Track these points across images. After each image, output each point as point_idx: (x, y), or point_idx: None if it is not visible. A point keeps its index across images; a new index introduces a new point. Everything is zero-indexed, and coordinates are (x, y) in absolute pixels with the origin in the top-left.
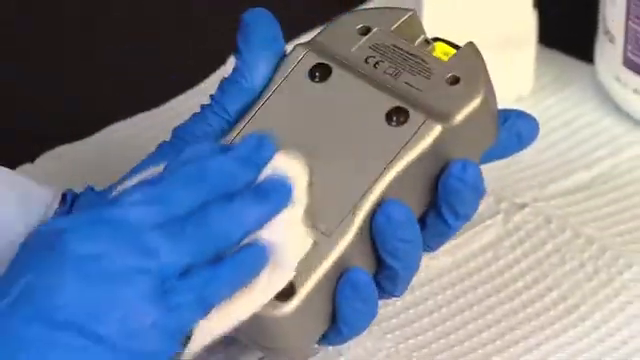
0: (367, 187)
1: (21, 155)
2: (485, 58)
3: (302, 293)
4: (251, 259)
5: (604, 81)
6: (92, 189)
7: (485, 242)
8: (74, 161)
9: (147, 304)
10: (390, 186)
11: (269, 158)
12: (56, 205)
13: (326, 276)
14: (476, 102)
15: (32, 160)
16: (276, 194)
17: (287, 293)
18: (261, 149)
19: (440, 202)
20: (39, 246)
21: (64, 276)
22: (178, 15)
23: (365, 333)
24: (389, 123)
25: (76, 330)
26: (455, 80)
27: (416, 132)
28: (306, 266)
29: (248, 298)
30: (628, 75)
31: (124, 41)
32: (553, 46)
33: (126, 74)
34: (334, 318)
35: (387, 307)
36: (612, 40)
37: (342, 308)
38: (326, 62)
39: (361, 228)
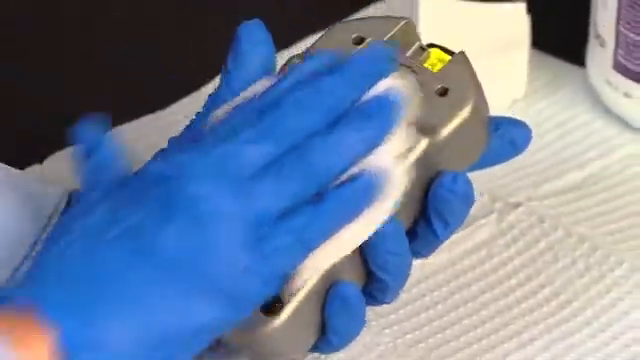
0: None
1: (30, 156)
2: (480, 62)
3: (289, 308)
4: (356, 194)
5: (595, 84)
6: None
7: (479, 240)
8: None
9: (245, 250)
10: None
11: (388, 72)
12: (63, 205)
13: (313, 290)
14: (464, 114)
15: (41, 161)
16: (383, 115)
17: (275, 308)
18: (377, 64)
19: (430, 212)
20: (147, 185)
21: (171, 216)
22: (179, 16)
23: (364, 329)
24: None
25: (175, 268)
26: (444, 91)
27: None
28: (294, 276)
29: (352, 230)
30: (618, 78)
31: (127, 43)
32: (546, 50)
33: (132, 76)
34: (324, 329)
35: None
36: (603, 44)
37: (332, 320)
38: None
39: None
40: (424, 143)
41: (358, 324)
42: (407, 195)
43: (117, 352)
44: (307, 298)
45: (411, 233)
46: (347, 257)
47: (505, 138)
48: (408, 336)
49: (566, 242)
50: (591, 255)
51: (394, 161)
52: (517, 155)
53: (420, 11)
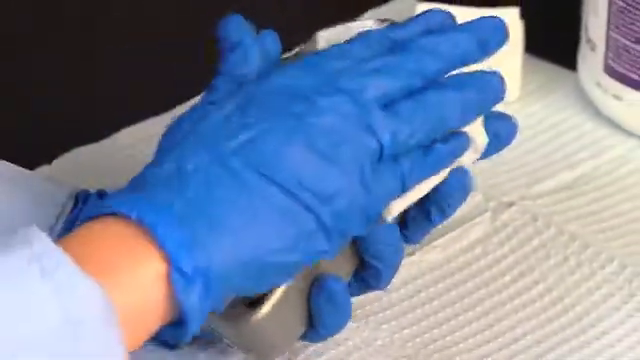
0: None
1: (39, 157)
2: (474, 66)
3: (271, 301)
4: (457, 150)
5: (586, 87)
6: (102, 192)
7: (474, 238)
8: (89, 163)
9: (362, 188)
10: None
11: (504, 42)
12: (71, 205)
13: (296, 283)
14: None
15: (49, 162)
16: (496, 93)
17: (258, 300)
18: (497, 34)
19: (429, 204)
20: (280, 101)
21: (294, 141)
22: (184, 20)
23: (362, 324)
24: None
25: (294, 196)
26: None
27: None
28: None
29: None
30: (608, 81)
31: (133, 46)
32: (538, 54)
33: (137, 79)
34: (311, 321)
35: (382, 299)
36: (594, 48)
37: (318, 313)
38: None
39: None
40: None
41: (344, 316)
42: None
43: (226, 282)
44: (290, 291)
45: (402, 221)
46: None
47: (490, 132)
48: (405, 331)
49: (558, 240)
50: (582, 252)
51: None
52: (504, 148)
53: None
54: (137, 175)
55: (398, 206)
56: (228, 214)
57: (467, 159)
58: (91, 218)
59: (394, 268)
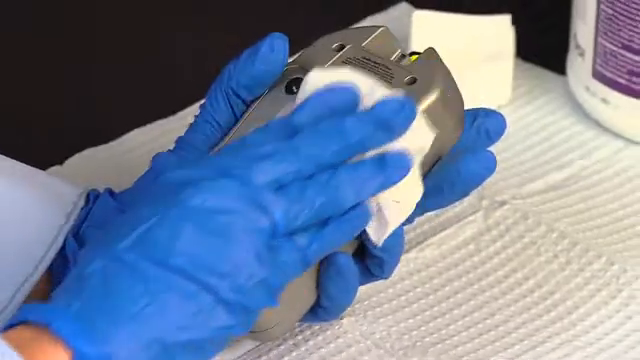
0: None
1: (51, 157)
2: (468, 71)
3: None
4: (356, 222)
5: (575, 91)
6: (111, 191)
7: (468, 236)
8: (99, 163)
9: (257, 262)
10: None
11: (409, 125)
12: (82, 203)
13: None
14: (430, 99)
15: (61, 162)
16: (397, 171)
17: None
18: (402, 113)
19: (449, 183)
20: (169, 192)
21: (184, 226)
22: (191, 25)
23: (360, 318)
24: None
25: (190, 277)
26: (413, 80)
27: None
28: None
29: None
30: (596, 86)
31: (143, 51)
32: (529, 60)
33: (147, 82)
34: (318, 297)
35: (380, 294)
36: (582, 54)
37: (327, 288)
38: (300, 77)
39: None
40: None
41: (351, 290)
42: None
43: None
44: None
45: None
46: None
47: (481, 129)
48: (402, 325)
49: (548, 238)
50: (571, 250)
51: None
52: (493, 143)
53: (413, 23)
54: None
55: (385, 234)
56: (125, 302)
57: (395, 218)
58: (12, 326)
59: (397, 257)
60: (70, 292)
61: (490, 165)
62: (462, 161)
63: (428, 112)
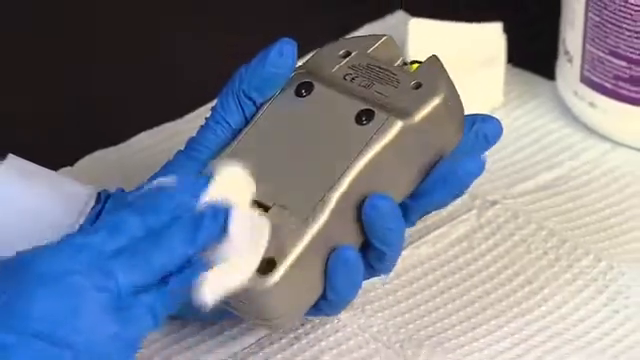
0: (337, 177)
1: (63, 158)
2: (462, 76)
3: (282, 268)
4: (193, 274)
5: (564, 95)
6: (122, 190)
7: (461, 234)
8: (108, 164)
9: (107, 317)
10: (361, 174)
11: (204, 189)
12: (92, 203)
13: (306, 252)
14: (435, 102)
15: (72, 163)
16: (212, 221)
17: (270, 268)
18: (197, 183)
19: (439, 188)
20: (13, 269)
21: (35, 292)
22: (200, 30)
23: (358, 312)
24: (358, 123)
25: (49, 338)
26: (418, 85)
27: (379, 128)
28: (286, 244)
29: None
30: (584, 90)
31: (151, 57)
32: (520, 65)
33: (154, 86)
34: (324, 289)
35: (377, 290)
36: (571, 60)
37: (333, 280)
38: (309, 80)
39: (336, 210)
40: (398, 125)
41: (356, 283)
42: (402, 175)
43: None
44: (303, 259)
45: (403, 206)
46: (347, 225)
47: (479, 133)
48: (398, 319)
49: (538, 235)
50: (560, 247)
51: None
52: (491, 147)
53: (409, 30)
54: None
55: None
56: None
57: (236, 279)
58: None
59: (398, 251)
60: None
61: (481, 167)
62: (457, 163)
63: (432, 115)
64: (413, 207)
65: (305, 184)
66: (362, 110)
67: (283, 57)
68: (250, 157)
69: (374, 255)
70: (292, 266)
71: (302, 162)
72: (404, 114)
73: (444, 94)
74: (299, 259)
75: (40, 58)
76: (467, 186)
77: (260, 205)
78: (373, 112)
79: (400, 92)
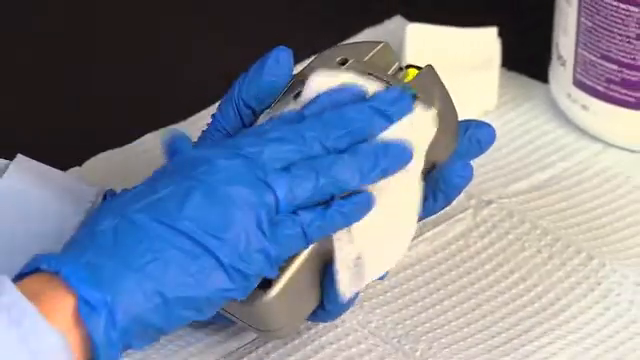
0: None
1: (71, 159)
2: (458, 79)
3: (281, 282)
4: (356, 208)
5: (557, 98)
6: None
7: (458, 232)
8: (114, 165)
9: (259, 232)
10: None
11: (405, 113)
12: (99, 202)
13: (303, 266)
14: (432, 114)
15: (80, 164)
16: (397, 159)
17: (268, 282)
18: (399, 103)
19: (436, 191)
20: (185, 167)
21: (193, 194)
22: (209, 34)
23: (357, 308)
24: None
25: (192, 239)
26: (413, 97)
27: None
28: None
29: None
30: (577, 93)
31: (156, 60)
32: (514, 69)
33: (160, 89)
34: (322, 300)
35: (377, 287)
36: (564, 64)
37: (329, 292)
38: None
39: None
40: None
41: (353, 295)
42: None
43: (132, 314)
44: (299, 273)
45: None
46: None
47: (473, 139)
48: (396, 315)
49: (532, 234)
50: (553, 246)
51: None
52: (484, 152)
53: (407, 35)
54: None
55: (353, 287)
56: (132, 256)
57: (371, 274)
58: (27, 274)
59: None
60: (81, 245)
61: (470, 174)
62: (448, 174)
63: None
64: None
65: None
66: None
67: (279, 65)
68: None
69: None
70: (290, 279)
71: None
72: None
73: (438, 108)
74: (297, 273)
75: (49, 62)
76: (458, 194)
77: None
78: None
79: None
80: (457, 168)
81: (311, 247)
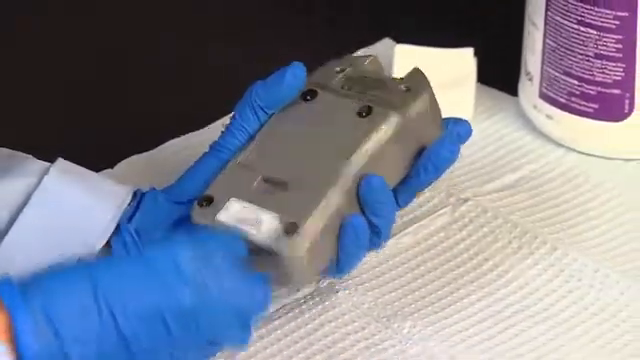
0: (346, 157)
1: (104, 162)
2: (439, 93)
3: (302, 231)
4: None
5: (525, 109)
6: (154, 189)
7: (439, 226)
8: (143, 167)
9: None
10: (364, 157)
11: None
12: (129, 200)
13: (322, 217)
14: (425, 99)
15: (112, 166)
16: None
17: (293, 230)
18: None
19: (424, 168)
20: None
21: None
22: (222, 47)
23: (352, 291)
24: (360, 117)
25: None
26: (407, 88)
27: (380, 120)
28: (306, 209)
29: None
30: (542, 105)
31: (178, 74)
32: (488, 84)
33: (181, 101)
34: (337, 252)
35: (368, 272)
36: (531, 79)
37: (344, 242)
38: (314, 88)
39: (344, 185)
40: (396, 118)
41: (363, 247)
42: (395, 161)
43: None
44: (319, 223)
45: (395, 190)
46: (352, 200)
47: (453, 132)
48: (386, 296)
49: (503, 227)
50: (522, 237)
51: None
52: (463, 143)
53: (395, 55)
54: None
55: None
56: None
57: None
58: None
59: (390, 224)
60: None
61: (456, 152)
62: (436, 152)
63: (421, 110)
64: (401, 190)
65: (318, 164)
66: (363, 106)
67: (296, 79)
68: (270, 145)
69: (372, 230)
70: (311, 228)
71: (314, 147)
72: (399, 108)
73: (429, 93)
74: (316, 222)
75: (90, 75)
76: (444, 171)
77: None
78: (372, 108)
79: (392, 94)
80: (447, 144)
81: (329, 199)
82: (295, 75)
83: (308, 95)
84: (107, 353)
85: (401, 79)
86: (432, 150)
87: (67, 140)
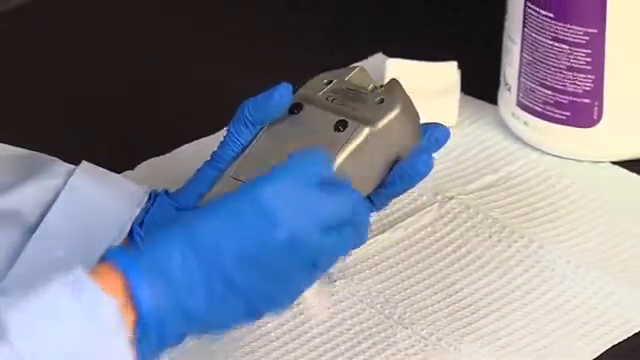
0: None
1: (124, 164)
2: (426, 102)
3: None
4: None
5: (504, 117)
6: (166, 191)
7: (427, 221)
8: (159, 169)
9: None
10: (339, 171)
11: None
12: (145, 199)
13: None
14: (394, 112)
15: (132, 168)
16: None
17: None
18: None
19: (398, 179)
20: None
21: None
22: (232, 56)
23: (348, 280)
24: (336, 131)
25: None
26: (381, 101)
27: (352, 133)
28: None
29: None
30: (520, 112)
31: (191, 79)
32: (470, 94)
33: (196, 107)
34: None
35: (362, 263)
36: (509, 89)
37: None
38: (300, 102)
39: None
40: (366, 131)
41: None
42: (369, 171)
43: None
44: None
45: (372, 195)
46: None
47: (432, 137)
48: (379, 285)
49: (484, 223)
50: (501, 232)
51: None
52: (441, 147)
53: (387, 68)
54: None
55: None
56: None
57: None
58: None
59: (366, 228)
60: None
61: (430, 167)
62: (411, 165)
63: (392, 123)
64: (378, 195)
65: None
66: (338, 121)
67: (283, 98)
68: (257, 158)
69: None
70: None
71: None
72: (370, 122)
73: (401, 106)
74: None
75: (104, 84)
76: (418, 181)
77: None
78: (347, 122)
79: (367, 106)
80: (424, 158)
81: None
82: (281, 95)
83: (295, 109)
84: (217, 296)
85: (381, 87)
86: (408, 162)
87: (90, 146)
